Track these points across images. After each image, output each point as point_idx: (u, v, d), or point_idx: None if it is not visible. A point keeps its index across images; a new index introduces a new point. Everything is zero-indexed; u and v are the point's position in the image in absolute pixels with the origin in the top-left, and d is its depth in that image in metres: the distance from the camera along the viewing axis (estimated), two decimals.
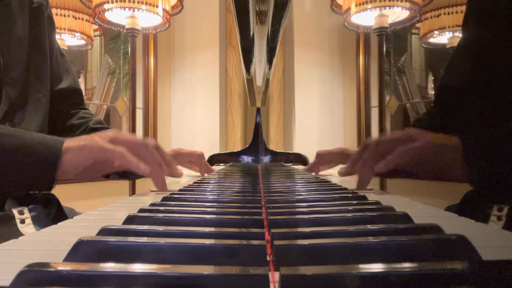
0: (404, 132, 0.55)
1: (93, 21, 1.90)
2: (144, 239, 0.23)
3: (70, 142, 0.53)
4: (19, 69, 0.69)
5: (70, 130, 0.82)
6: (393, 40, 2.11)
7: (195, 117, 2.17)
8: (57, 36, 0.88)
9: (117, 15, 1.80)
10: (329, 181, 0.63)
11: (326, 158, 0.85)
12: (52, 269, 0.18)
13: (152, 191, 0.59)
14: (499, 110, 0.65)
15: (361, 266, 0.18)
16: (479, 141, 0.51)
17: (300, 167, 1.15)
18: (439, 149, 0.51)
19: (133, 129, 1.86)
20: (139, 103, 2.01)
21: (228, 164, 1.26)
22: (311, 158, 1.32)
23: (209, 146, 2.05)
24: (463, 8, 1.84)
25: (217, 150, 2.01)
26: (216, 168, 0.96)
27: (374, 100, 2.04)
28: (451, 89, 0.79)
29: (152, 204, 0.39)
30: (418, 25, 2.01)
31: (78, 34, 1.98)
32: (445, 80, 0.82)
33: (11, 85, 0.67)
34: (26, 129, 0.68)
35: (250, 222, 0.30)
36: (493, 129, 0.54)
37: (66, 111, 0.84)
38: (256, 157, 1.29)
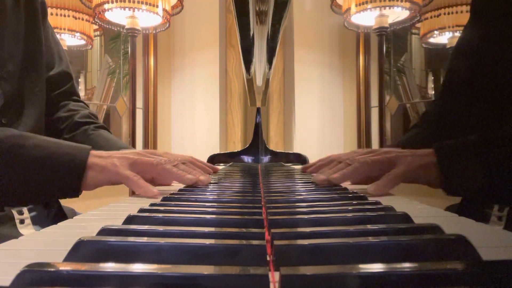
0: (384, 156, 0.56)
1: (93, 21, 1.90)
2: (144, 239, 0.23)
3: (94, 159, 0.53)
4: (14, 64, 0.67)
5: (57, 123, 0.81)
6: (393, 40, 2.11)
7: (195, 117, 2.17)
8: (57, 36, 0.87)
9: (117, 15, 1.80)
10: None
11: None
12: (52, 269, 0.18)
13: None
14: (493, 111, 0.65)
15: (361, 266, 0.18)
16: (454, 155, 0.52)
17: (300, 167, 1.15)
18: (418, 170, 0.53)
19: (133, 129, 1.86)
20: (139, 103, 2.01)
21: (228, 164, 1.26)
22: (311, 158, 1.31)
23: (209, 146, 2.05)
24: (463, 8, 1.85)
25: (217, 150, 2.00)
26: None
27: (374, 100, 2.04)
28: (457, 80, 0.78)
29: (152, 204, 0.39)
30: (418, 25, 2.01)
31: (78, 34, 1.98)
32: (451, 69, 0.82)
33: (6, 80, 0.66)
34: (23, 124, 0.67)
35: (250, 222, 0.30)
36: (470, 140, 0.55)
37: (56, 102, 0.82)
38: (256, 157, 1.29)
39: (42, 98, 0.74)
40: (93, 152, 0.54)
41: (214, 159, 1.31)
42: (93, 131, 0.80)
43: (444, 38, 1.95)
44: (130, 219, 0.30)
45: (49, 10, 0.81)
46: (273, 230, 0.25)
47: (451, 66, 0.82)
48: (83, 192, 0.55)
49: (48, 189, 0.53)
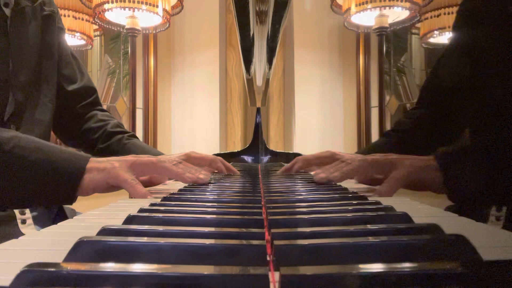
0: (383, 157, 0.56)
1: (93, 21, 1.90)
2: (144, 239, 0.23)
3: (92, 164, 0.53)
4: (28, 73, 0.70)
5: (89, 133, 0.85)
6: (393, 40, 2.11)
7: (195, 117, 2.17)
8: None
9: (117, 15, 1.80)
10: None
11: (312, 163, 0.78)
12: (52, 269, 0.18)
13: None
14: (486, 113, 0.66)
15: (361, 266, 0.18)
16: (454, 159, 0.53)
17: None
18: (419, 173, 0.53)
19: (133, 129, 1.86)
20: (139, 103, 2.01)
21: None
22: None
23: (209, 146, 2.05)
24: None
25: (217, 150, 2.00)
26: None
27: (374, 100, 2.04)
28: (438, 89, 0.79)
29: (152, 204, 0.39)
30: (418, 25, 2.01)
31: (78, 34, 1.98)
32: (431, 81, 0.83)
33: (19, 89, 0.68)
34: (31, 132, 0.69)
35: (250, 222, 0.30)
36: (469, 144, 0.55)
37: (83, 113, 0.86)
38: (256, 157, 1.29)
39: (52, 108, 0.77)
40: (93, 159, 0.54)
41: None
42: (127, 140, 0.84)
43: (444, 38, 1.95)
44: (130, 219, 0.30)
45: None
46: (273, 230, 0.25)
47: (429, 83, 0.83)
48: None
49: (44, 192, 0.52)
